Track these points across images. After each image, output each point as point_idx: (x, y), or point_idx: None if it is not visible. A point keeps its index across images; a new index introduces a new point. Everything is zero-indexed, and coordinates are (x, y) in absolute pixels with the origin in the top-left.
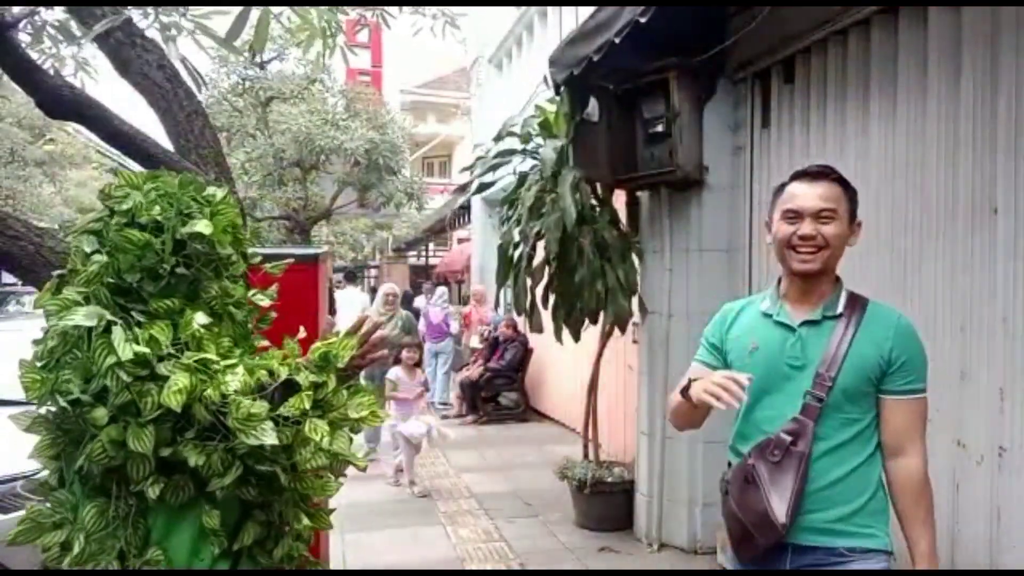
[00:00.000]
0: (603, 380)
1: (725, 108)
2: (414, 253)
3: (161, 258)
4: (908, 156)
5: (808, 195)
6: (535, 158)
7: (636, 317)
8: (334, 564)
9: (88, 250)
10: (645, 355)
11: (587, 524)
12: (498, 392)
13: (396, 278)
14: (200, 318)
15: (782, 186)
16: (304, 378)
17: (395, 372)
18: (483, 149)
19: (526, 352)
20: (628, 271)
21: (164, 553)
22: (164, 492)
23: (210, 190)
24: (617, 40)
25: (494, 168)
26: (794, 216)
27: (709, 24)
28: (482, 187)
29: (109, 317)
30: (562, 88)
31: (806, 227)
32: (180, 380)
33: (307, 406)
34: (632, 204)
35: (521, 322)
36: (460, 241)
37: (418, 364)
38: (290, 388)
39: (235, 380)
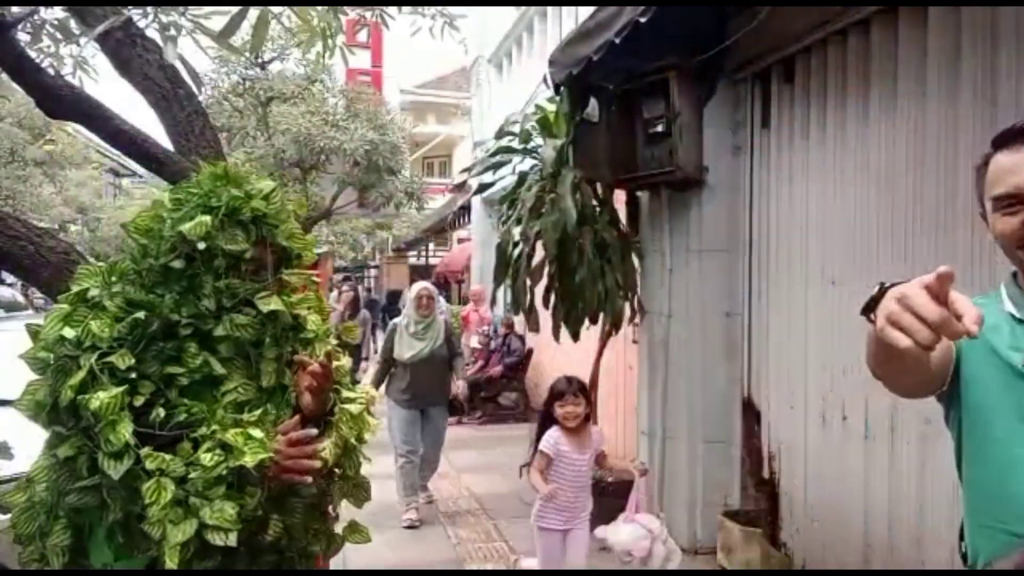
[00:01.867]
0: (603, 380)
1: (725, 108)
2: (414, 253)
3: (160, 251)
4: (908, 155)
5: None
6: (535, 158)
7: (636, 317)
8: (334, 564)
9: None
10: (645, 355)
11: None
12: (498, 392)
13: (396, 278)
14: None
15: (985, 160)
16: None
17: (554, 439)
18: (484, 149)
19: (526, 352)
20: (628, 271)
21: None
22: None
23: (256, 184)
24: (617, 40)
25: (494, 168)
26: (1013, 202)
27: (709, 24)
28: (482, 187)
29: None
30: (562, 88)
31: None
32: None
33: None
34: (632, 204)
35: (520, 322)
36: (460, 241)
37: (587, 418)
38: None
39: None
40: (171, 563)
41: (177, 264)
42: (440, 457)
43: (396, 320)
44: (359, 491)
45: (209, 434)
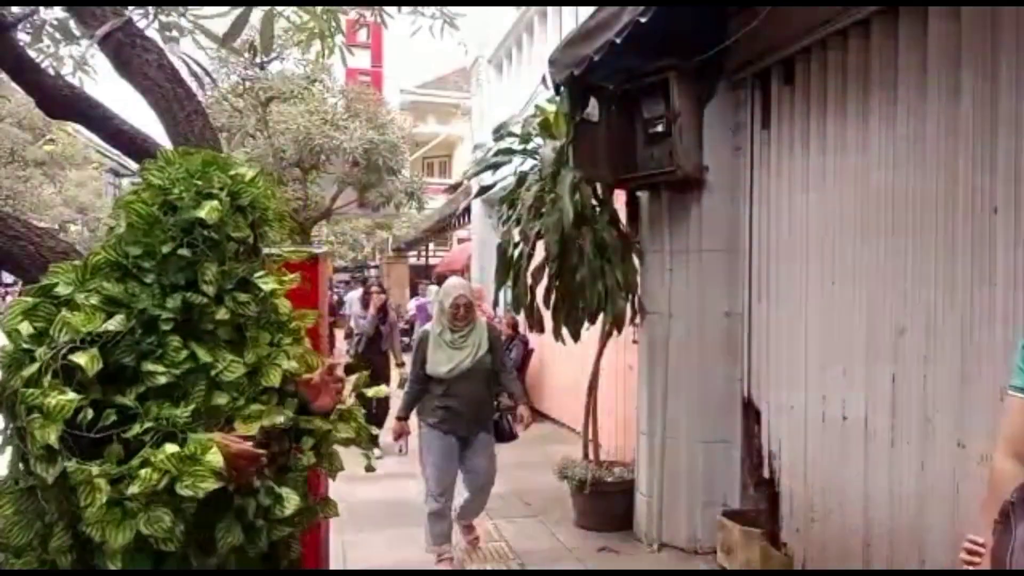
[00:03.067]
0: (603, 380)
1: (725, 109)
2: (414, 253)
3: (165, 238)
4: (908, 156)
5: None
6: (535, 158)
7: (636, 317)
8: (334, 564)
9: (112, 223)
10: (645, 355)
11: (587, 524)
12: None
13: (396, 278)
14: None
15: None
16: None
17: None
18: (484, 149)
19: (526, 352)
20: (628, 271)
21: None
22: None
23: (239, 169)
24: (617, 40)
25: (493, 168)
26: None
27: (709, 24)
28: (483, 189)
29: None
30: (562, 88)
31: None
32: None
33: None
34: (632, 204)
35: (521, 321)
36: (460, 241)
37: None
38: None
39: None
40: (113, 565)
41: (185, 252)
42: (486, 498)
43: (427, 327)
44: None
45: (148, 442)
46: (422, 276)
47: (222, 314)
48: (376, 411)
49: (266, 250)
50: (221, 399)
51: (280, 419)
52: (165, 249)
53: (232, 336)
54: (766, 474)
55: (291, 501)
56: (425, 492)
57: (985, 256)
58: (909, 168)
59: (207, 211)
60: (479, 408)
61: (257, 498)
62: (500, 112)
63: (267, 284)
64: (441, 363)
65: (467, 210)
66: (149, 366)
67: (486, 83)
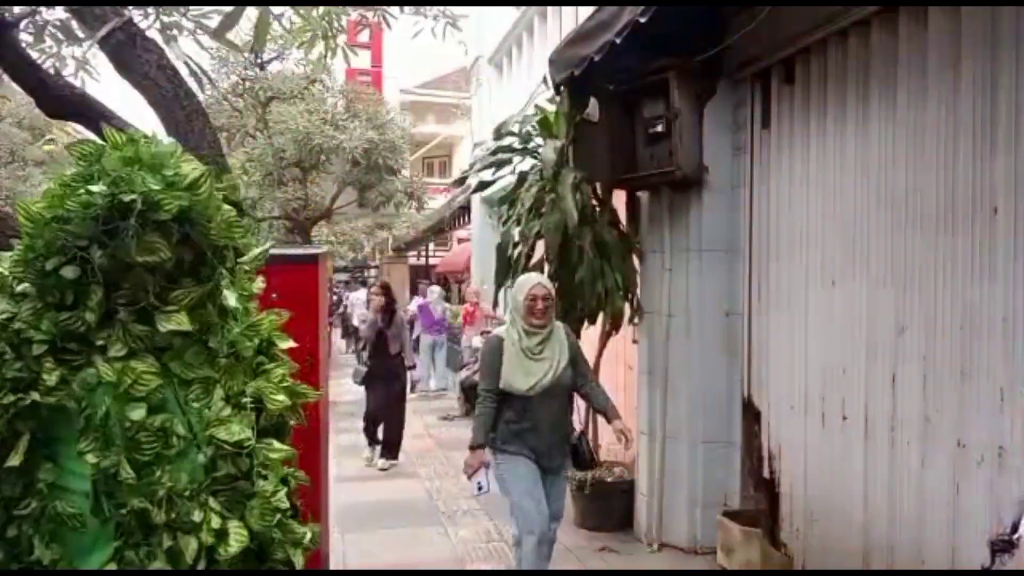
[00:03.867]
0: (603, 380)
1: (725, 108)
2: (414, 253)
3: (52, 251)
4: (908, 156)
5: None
6: (535, 158)
7: (635, 317)
8: (334, 564)
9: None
10: (645, 355)
11: (587, 524)
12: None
13: (396, 278)
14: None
15: None
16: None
17: None
18: (484, 148)
19: None
20: (628, 271)
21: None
22: None
23: (187, 168)
24: (617, 40)
25: (494, 167)
26: None
27: (709, 24)
28: (482, 186)
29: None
30: (562, 88)
31: None
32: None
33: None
34: (632, 204)
35: None
36: (460, 241)
37: None
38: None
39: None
40: None
41: (68, 273)
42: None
43: (498, 331)
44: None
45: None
46: (422, 276)
47: (109, 342)
48: (386, 422)
49: (258, 249)
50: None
51: (245, 434)
52: (48, 265)
53: (197, 356)
54: (766, 474)
55: (238, 538)
56: (516, 532)
57: (985, 256)
58: (909, 167)
59: (80, 228)
60: (560, 432)
61: (199, 536)
62: (500, 112)
63: (168, 323)
64: (517, 377)
65: (466, 210)
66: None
67: (486, 83)
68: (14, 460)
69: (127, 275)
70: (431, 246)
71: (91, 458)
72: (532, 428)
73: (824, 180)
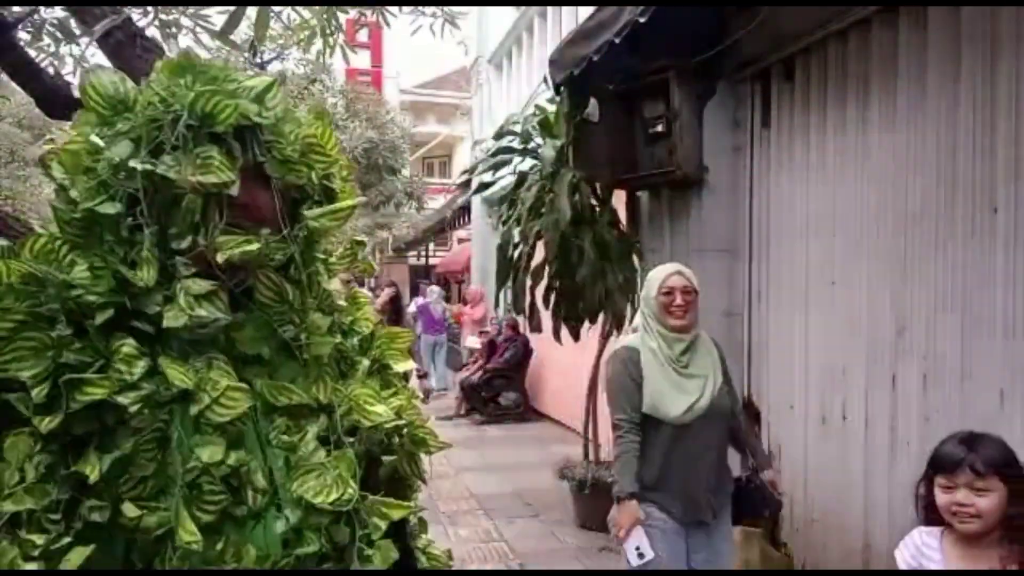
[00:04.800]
0: (603, 380)
1: (725, 108)
2: (414, 253)
3: (93, 188)
4: (908, 155)
5: None
6: (535, 158)
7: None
8: None
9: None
10: None
11: (588, 524)
12: (498, 392)
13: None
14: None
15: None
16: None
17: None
18: (484, 149)
19: (526, 352)
20: (628, 271)
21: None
22: None
23: (252, 80)
24: (617, 40)
25: (494, 168)
26: None
27: (709, 24)
28: (483, 185)
29: None
30: (562, 88)
31: None
32: None
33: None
34: (632, 204)
35: (522, 322)
36: (460, 241)
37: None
38: None
39: None
40: None
41: (108, 208)
42: None
43: (628, 340)
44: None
45: None
46: (422, 276)
47: (171, 317)
48: None
49: (350, 202)
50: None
51: (348, 492)
52: (84, 206)
53: (290, 370)
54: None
55: None
56: None
57: (985, 256)
58: (909, 167)
59: (125, 147)
60: (720, 473)
61: None
62: (500, 112)
63: (235, 247)
64: (667, 398)
65: (466, 210)
66: (82, 396)
67: (486, 83)
68: (92, 474)
69: (179, 210)
70: (431, 246)
71: (131, 510)
72: (683, 469)
73: (824, 179)
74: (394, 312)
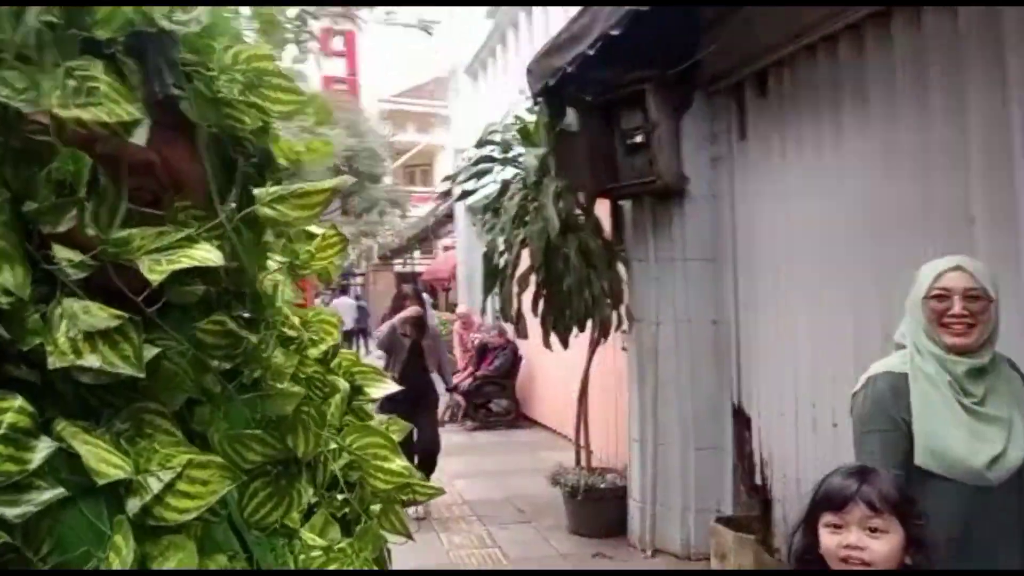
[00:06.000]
0: (593, 386)
1: (703, 120)
2: (399, 261)
3: None
4: (883, 165)
5: None
6: (516, 167)
7: (624, 325)
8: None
9: None
10: (634, 363)
11: (580, 530)
12: (489, 399)
13: (383, 286)
14: None
15: None
16: None
17: None
18: (465, 157)
19: (515, 359)
20: (613, 279)
21: None
22: None
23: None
24: (591, 52)
25: (476, 176)
26: None
27: (682, 35)
28: (465, 194)
29: None
30: (539, 98)
31: None
32: None
33: None
34: (616, 213)
35: (510, 330)
36: (445, 248)
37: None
38: None
39: None
40: None
41: None
42: None
43: (886, 364)
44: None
45: None
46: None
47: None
48: (420, 451)
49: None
50: None
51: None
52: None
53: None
54: (758, 480)
55: None
56: None
57: None
58: (885, 178)
59: None
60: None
61: None
62: (478, 121)
63: (160, 268)
64: (957, 443)
65: (451, 218)
66: None
67: (462, 92)
68: None
69: (40, 172)
70: (416, 254)
71: None
72: (984, 547)
73: (803, 190)
74: (419, 332)
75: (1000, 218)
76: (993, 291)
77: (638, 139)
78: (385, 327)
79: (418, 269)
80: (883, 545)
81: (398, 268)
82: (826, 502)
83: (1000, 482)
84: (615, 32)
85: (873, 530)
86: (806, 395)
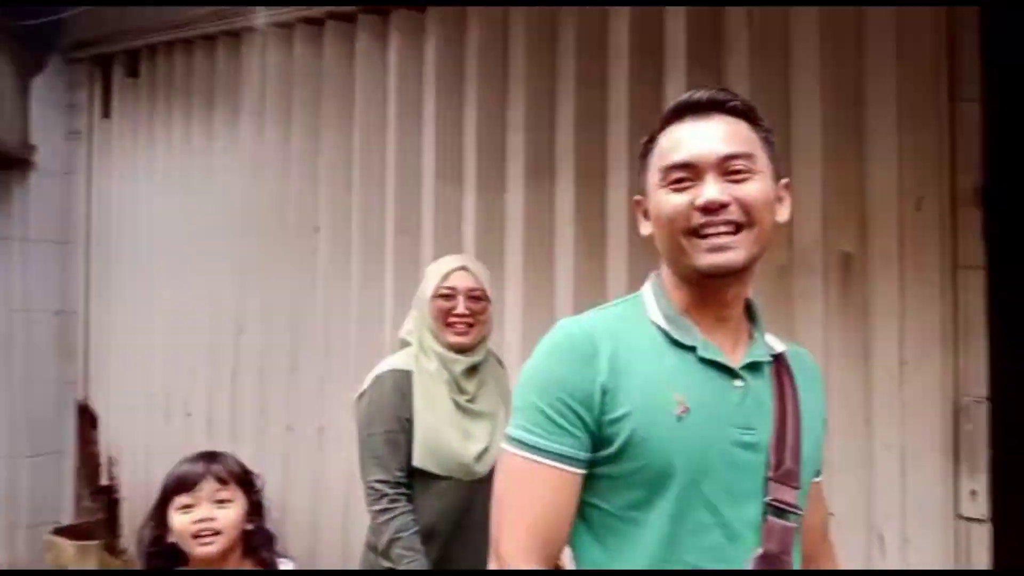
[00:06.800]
0: None
1: (58, 88)
2: None
3: None
4: (248, 170)
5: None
6: None
7: None
8: None
9: None
10: None
11: None
12: None
13: None
14: None
15: (652, 136)
16: None
17: None
18: None
19: None
20: None
21: None
22: None
23: None
24: None
25: None
26: (685, 176)
27: None
28: None
29: None
30: None
31: (711, 189)
32: None
33: None
34: None
35: None
36: None
37: None
38: None
39: None
40: None
41: None
42: None
43: (398, 363)
44: None
45: None
46: None
47: None
48: None
49: None
50: None
51: None
52: None
53: None
54: (105, 481)
55: None
56: None
57: (309, 267)
58: (248, 181)
59: None
60: None
61: None
62: None
63: None
64: (452, 440)
65: None
66: None
67: None
68: None
69: None
70: None
71: None
72: (476, 535)
73: (170, 181)
74: None
75: (341, 229)
76: (490, 291)
77: None
78: None
79: None
80: (230, 513)
81: None
82: (180, 486)
83: (487, 473)
84: None
85: (221, 502)
86: (160, 387)
